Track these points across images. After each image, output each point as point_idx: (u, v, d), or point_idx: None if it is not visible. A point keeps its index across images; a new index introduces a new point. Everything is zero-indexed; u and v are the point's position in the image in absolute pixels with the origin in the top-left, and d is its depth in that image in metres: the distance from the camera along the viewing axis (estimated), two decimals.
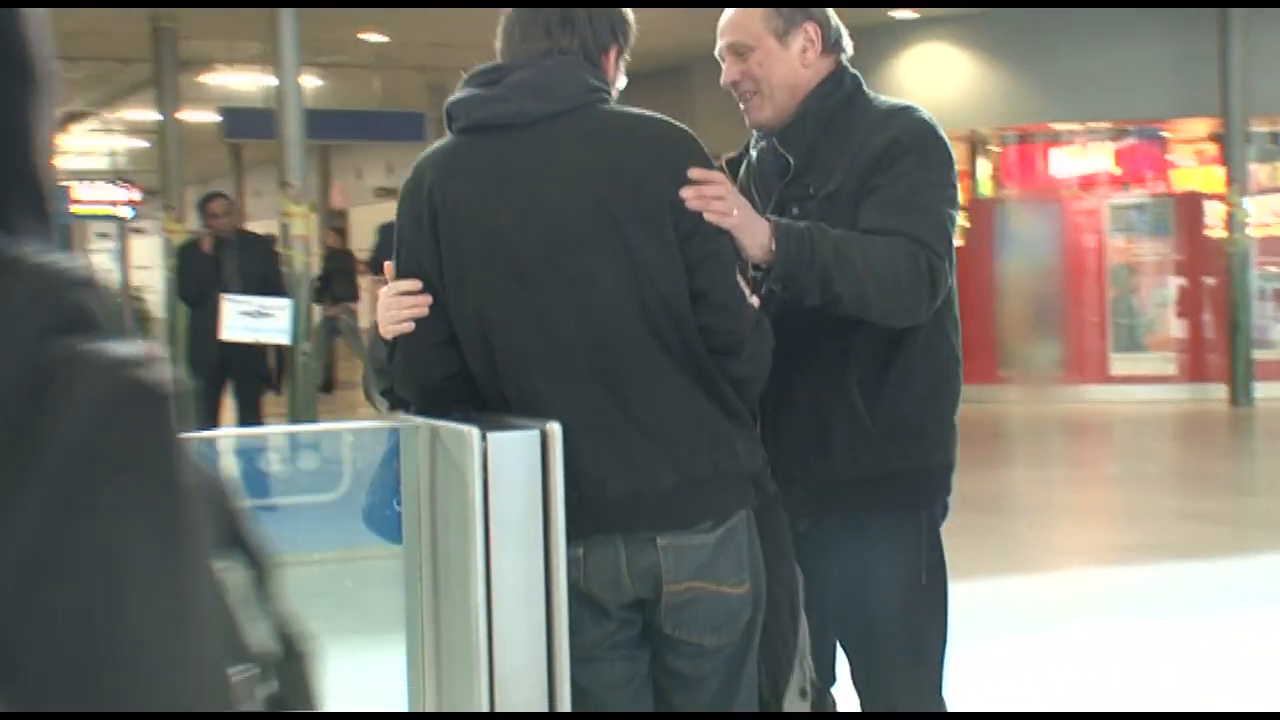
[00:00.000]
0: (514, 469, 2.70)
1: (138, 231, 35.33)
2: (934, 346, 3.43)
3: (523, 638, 2.71)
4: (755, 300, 3.05)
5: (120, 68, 20.15)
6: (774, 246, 3.06)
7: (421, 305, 2.97)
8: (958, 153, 15.73)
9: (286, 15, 13.55)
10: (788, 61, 3.39)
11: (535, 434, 2.73)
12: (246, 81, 20.82)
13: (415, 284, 2.99)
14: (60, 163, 32.90)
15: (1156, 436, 15.00)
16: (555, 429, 2.74)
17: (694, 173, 2.96)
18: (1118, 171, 20.00)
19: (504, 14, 3.17)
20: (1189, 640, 6.78)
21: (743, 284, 3.00)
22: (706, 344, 2.94)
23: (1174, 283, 17.73)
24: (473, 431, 2.69)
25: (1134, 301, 17.74)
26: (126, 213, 32.99)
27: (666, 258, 2.92)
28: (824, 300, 3.14)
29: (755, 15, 3.40)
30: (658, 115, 3.12)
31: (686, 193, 2.92)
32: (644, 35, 12.72)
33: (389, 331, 3.00)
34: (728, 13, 3.48)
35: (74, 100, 24.33)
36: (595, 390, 2.92)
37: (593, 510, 2.84)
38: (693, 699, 3.02)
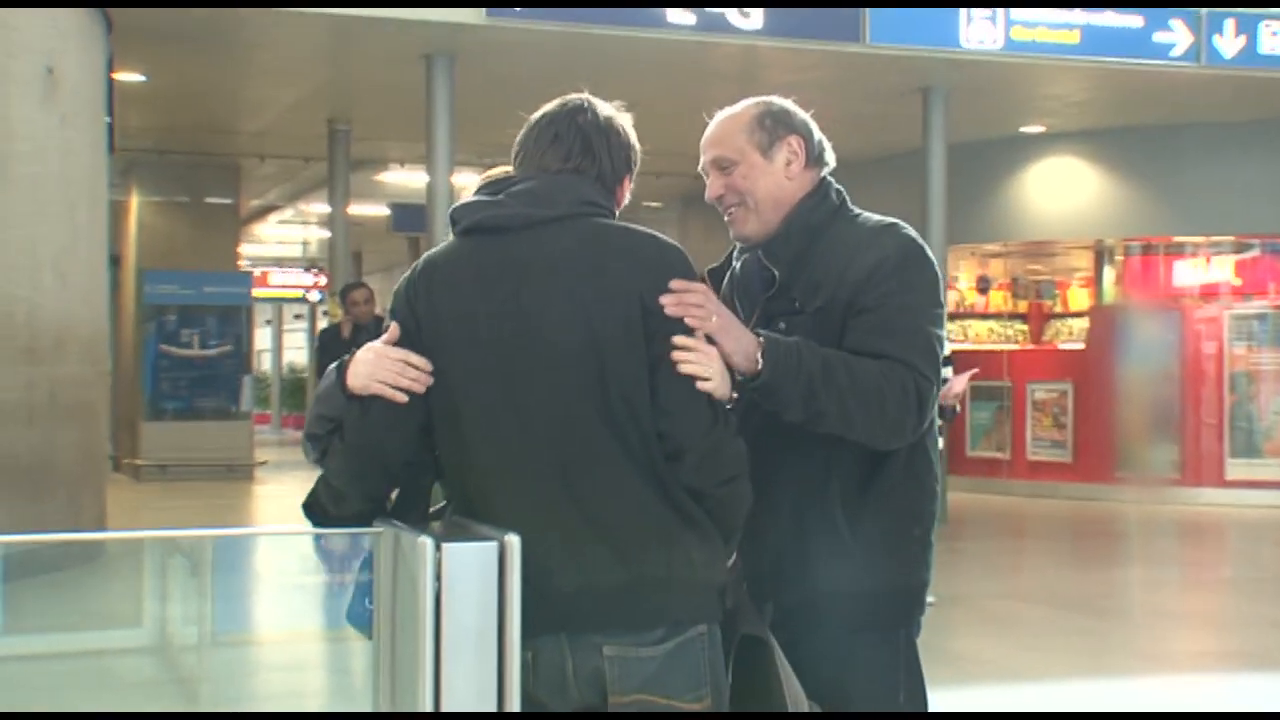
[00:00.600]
0: (469, 580, 2.56)
1: (327, 314, 36.30)
2: (915, 465, 3.25)
3: None
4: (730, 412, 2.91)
5: (302, 165, 20.53)
6: (760, 356, 2.94)
7: (422, 382, 2.89)
8: (1082, 262, 15.62)
9: (441, 117, 13.67)
10: (772, 175, 3.28)
11: (493, 545, 2.58)
12: (416, 178, 21.12)
13: (425, 363, 2.90)
14: (260, 250, 34.07)
15: (1270, 543, 14.41)
16: (514, 541, 2.59)
17: (675, 283, 2.86)
18: (1238, 282, 19.58)
19: (524, 132, 3.15)
20: None
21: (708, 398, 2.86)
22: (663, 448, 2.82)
23: None
24: (426, 542, 2.55)
25: (1253, 408, 17.18)
26: (315, 296, 34.04)
27: (634, 361, 2.81)
28: (806, 415, 3.00)
29: (738, 130, 3.29)
30: (650, 231, 2.99)
31: (666, 299, 2.82)
32: None
33: (373, 389, 2.89)
34: (710, 128, 3.36)
35: (268, 194, 24.87)
36: (553, 485, 2.81)
37: (541, 605, 2.67)
38: None
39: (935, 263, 3.30)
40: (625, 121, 3.12)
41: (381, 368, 2.89)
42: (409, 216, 20.01)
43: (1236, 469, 16.91)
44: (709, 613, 2.85)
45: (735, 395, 2.97)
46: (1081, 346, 19.41)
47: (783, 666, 3.02)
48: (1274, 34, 14.58)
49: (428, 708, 2.52)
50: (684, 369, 2.81)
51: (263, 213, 27.58)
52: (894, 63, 14.15)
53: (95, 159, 12.45)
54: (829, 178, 3.37)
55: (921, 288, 3.22)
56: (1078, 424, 17.80)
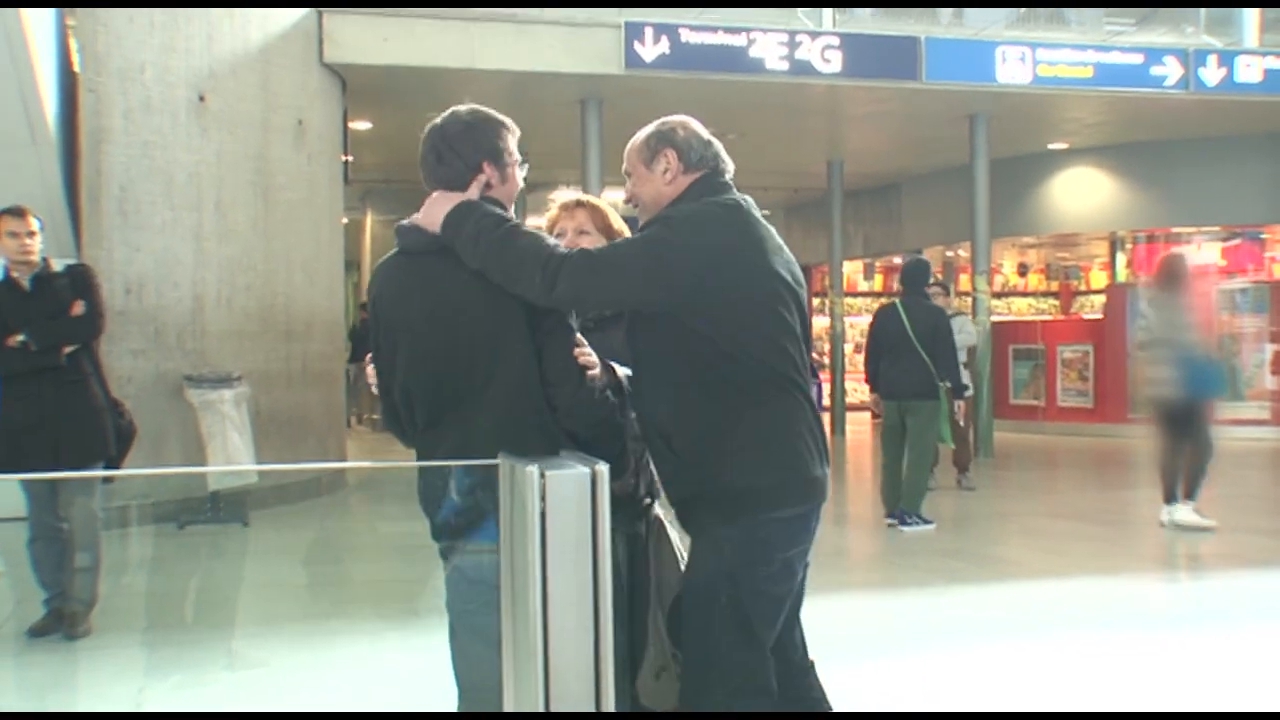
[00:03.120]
0: (567, 501, 2.38)
1: None
2: (712, 389, 3.03)
3: (573, 644, 2.38)
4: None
5: None
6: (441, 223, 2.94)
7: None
8: (1100, 250, 15.05)
9: (593, 148, 13.60)
10: (652, 181, 3.22)
11: (586, 472, 2.40)
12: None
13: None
14: None
15: (1249, 468, 13.81)
16: (603, 469, 2.41)
17: None
18: (1224, 264, 19.05)
19: None
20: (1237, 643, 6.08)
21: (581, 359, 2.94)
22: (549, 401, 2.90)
23: (1269, 348, 16.56)
24: (533, 470, 2.37)
25: (1237, 363, 16.53)
26: None
27: (524, 343, 2.90)
28: (476, 267, 2.92)
29: (633, 149, 3.28)
30: None
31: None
32: (865, 161, 12.26)
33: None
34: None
35: None
36: (472, 435, 2.85)
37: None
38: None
39: (705, 219, 3.08)
40: (474, 114, 3.05)
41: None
42: None
43: (1225, 410, 16.31)
44: None
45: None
46: (1100, 316, 18.94)
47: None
48: (1248, 66, 14.28)
49: (538, 607, 2.36)
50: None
51: None
52: (945, 96, 13.76)
53: (334, 189, 12.50)
54: (715, 176, 3.22)
55: (661, 225, 3.09)
56: (1098, 377, 17.41)
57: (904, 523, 9.26)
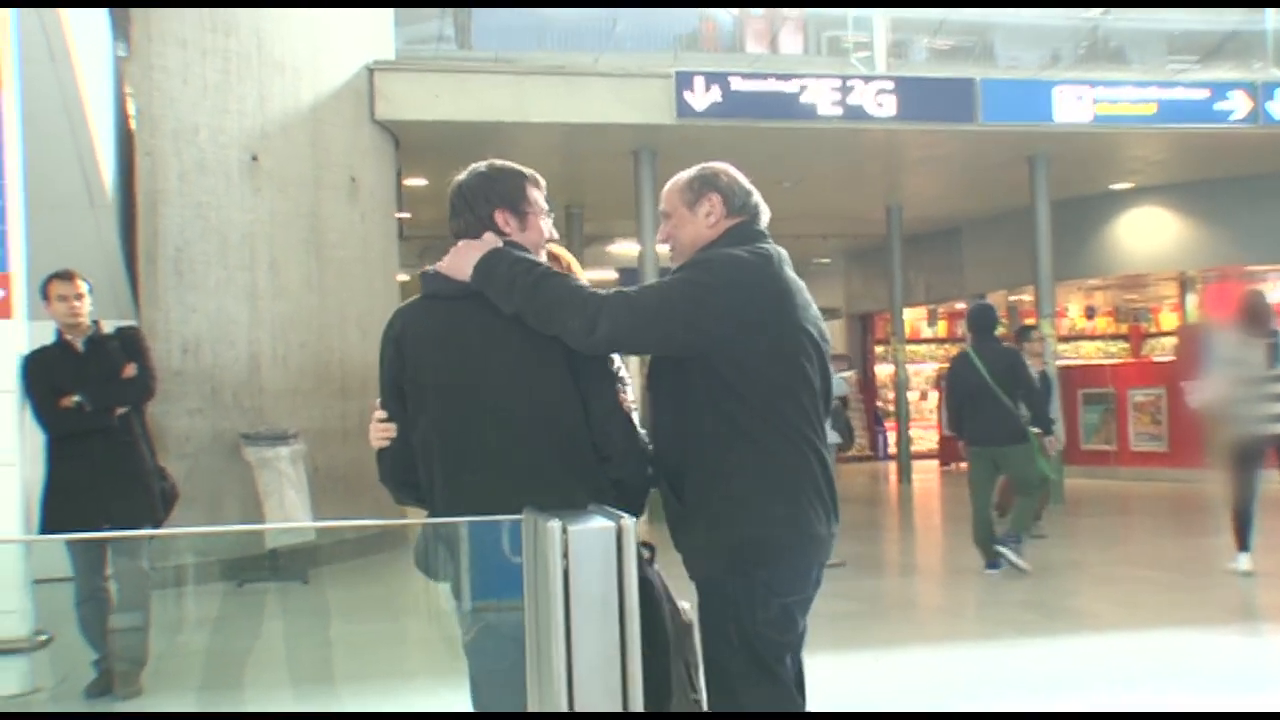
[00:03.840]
0: (592, 557, 2.32)
1: None
2: (726, 439, 3.01)
3: (600, 704, 2.32)
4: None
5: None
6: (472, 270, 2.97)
7: (390, 431, 3.04)
8: (1169, 291, 14.80)
9: (647, 199, 13.59)
10: (694, 224, 3.25)
11: (612, 527, 2.35)
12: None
13: (385, 417, 3.06)
14: None
15: None
16: (628, 524, 2.35)
17: None
18: None
19: None
20: None
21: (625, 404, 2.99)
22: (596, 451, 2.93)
23: None
24: (555, 525, 2.32)
25: None
26: None
27: (563, 387, 2.92)
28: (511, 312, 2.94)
29: (675, 191, 3.29)
30: None
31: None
32: (924, 206, 12.18)
33: (375, 445, 3.09)
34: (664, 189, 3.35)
35: None
36: (504, 481, 2.85)
37: None
38: None
39: (733, 266, 3.06)
40: (491, 167, 3.14)
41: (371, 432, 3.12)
42: (632, 279, 19.95)
43: None
44: None
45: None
46: (1173, 358, 18.56)
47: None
48: None
49: (561, 669, 2.30)
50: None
51: None
52: (1003, 137, 13.65)
53: (388, 245, 12.62)
54: (751, 226, 3.24)
55: (700, 268, 3.09)
56: (1172, 420, 17.00)
57: (1009, 544, 9.24)
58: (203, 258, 9.98)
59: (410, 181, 15.26)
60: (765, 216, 3.28)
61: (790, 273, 3.15)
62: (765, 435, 3.00)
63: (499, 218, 3.04)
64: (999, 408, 9.16)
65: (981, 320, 9.59)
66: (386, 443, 3.05)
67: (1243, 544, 8.97)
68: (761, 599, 2.99)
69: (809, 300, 3.16)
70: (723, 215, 3.22)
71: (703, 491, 3.01)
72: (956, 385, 9.44)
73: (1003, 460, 9.29)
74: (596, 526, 2.35)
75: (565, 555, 2.32)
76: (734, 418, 2.99)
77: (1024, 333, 11.50)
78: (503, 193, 3.06)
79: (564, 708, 2.30)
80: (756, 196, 3.29)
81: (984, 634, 7.47)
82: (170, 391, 9.66)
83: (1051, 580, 9.49)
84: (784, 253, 3.20)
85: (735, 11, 22.43)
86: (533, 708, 2.55)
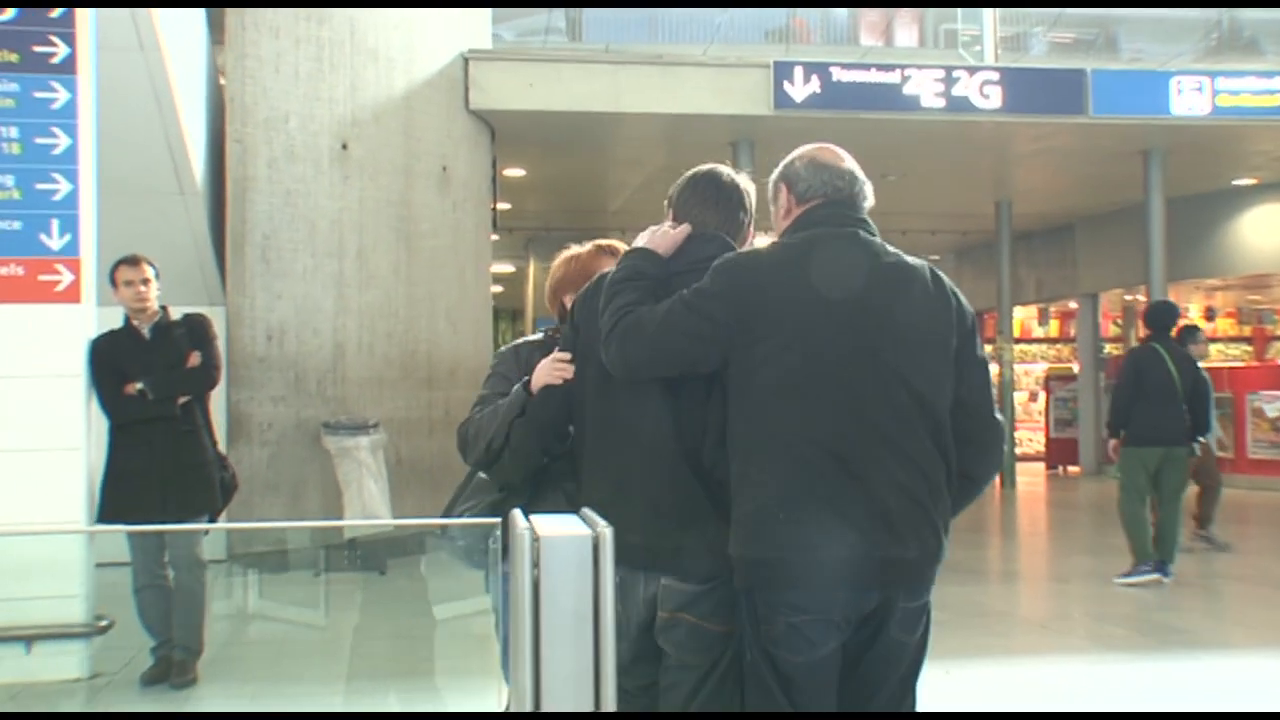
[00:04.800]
0: (565, 568, 2.17)
1: None
2: (732, 454, 2.81)
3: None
4: None
5: None
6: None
7: (569, 372, 3.07)
8: None
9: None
10: (777, 218, 3.12)
11: (587, 536, 2.19)
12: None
13: (570, 358, 3.09)
14: None
15: None
16: (606, 533, 2.19)
17: None
18: None
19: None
20: None
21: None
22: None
23: None
24: (524, 532, 2.18)
25: None
26: None
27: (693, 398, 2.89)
28: None
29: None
30: None
31: None
32: (1035, 202, 11.78)
33: (551, 380, 3.09)
34: None
35: None
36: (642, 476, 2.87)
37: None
38: None
39: (743, 266, 2.88)
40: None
41: (548, 368, 3.18)
42: None
43: None
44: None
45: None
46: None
47: None
48: None
49: (529, 686, 2.14)
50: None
51: None
52: (1115, 130, 13.14)
53: (481, 235, 12.58)
54: (819, 210, 3.02)
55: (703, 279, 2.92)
56: None
57: (1166, 572, 9.01)
58: (290, 245, 10.03)
59: (509, 172, 15.26)
60: (851, 196, 2.99)
61: (836, 255, 2.86)
62: (760, 448, 2.77)
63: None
64: (1179, 408, 9.00)
65: (1165, 318, 9.38)
66: (560, 381, 3.06)
67: None
68: (765, 614, 2.74)
69: (869, 294, 2.83)
70: (793, 204, 3.01)
71: (711, 502, 2.83)
72: (1143, 379, 9.05)
73: (1168, 462, 9.02)
74: (571, 534, 2.19)
75: (536, 564, 2.17)
76: (734, 428, 2.80)
77: (1190, 333, 11.01)
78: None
79: None
80: (834, 174, 3.00)
81: (1074, 648, 7.15)
82: (253, 378, 9.74)
83: (1158, 594, 9.08)
84: (851, 233, 2.92)
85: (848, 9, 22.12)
86: None
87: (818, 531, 2.69)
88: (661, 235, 3.04)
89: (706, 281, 2.85)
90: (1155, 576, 8.92)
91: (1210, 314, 21.94)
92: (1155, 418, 8.99)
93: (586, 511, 2.44)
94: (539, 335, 3.53)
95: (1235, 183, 16.49)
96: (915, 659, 2.90)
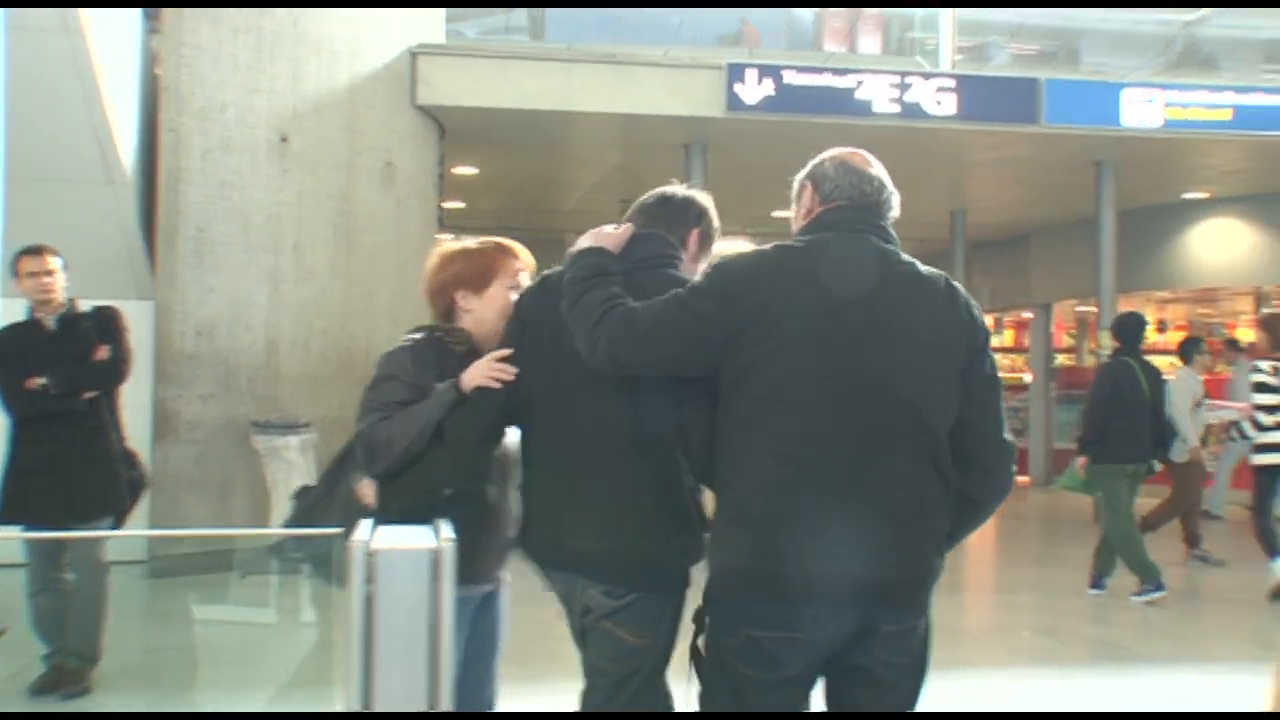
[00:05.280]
0: (400, 584, 2.00)
1: None
2: (720, 461, 2.75)
3: None
4: None
5: None
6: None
7: (509, 374, 3.02)
8: (1245, 306, 14.20)
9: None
10: (797, 215, 3.08)
11: (425, 551, 2.03)
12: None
13: (508, 355, 3.09)
14: None
15: None
16: (447, 548, 2.03)
17: None
18: None
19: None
20: None
21: None
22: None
23: None
24: (356, 544, 2.01)
25: None
26: None
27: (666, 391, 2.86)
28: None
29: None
30: None
31: None
32: (990, 211, 11.69)
33: (482, 383, 3.03)
34: None
35: None
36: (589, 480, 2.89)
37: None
38: None
39: (715, 273, 2.83)
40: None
41: (482, 369, 3.18)
42: None
43: None
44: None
45: None
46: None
47: None
48: None
49: (356, 706, 1.98)
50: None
51: None
52: (1068, 141, 13.08)
53: (425, 232, 12.37)
54: (836, 213, 2.97)
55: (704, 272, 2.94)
56: None
57: (1101, 585, 9.11)
58: (224, 239, 9.79)
59: (461, 170, 15.07)
60: (877, 202, 2.95)
61: (828, 258, 2.78)
62: (736, 456, 2.69)
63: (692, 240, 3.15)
64: (1150, 422, 8.85)
65: (1137, 329, 9.22)
66: (498, 385, 3.01)
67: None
68: (729, 624, 2.64)
69: (873, 301, 2.75)
70: (816, 203, 2.95)
71: (650, 505, 2.89)
72: (1119, 394, 8.85)
73: (1137, 479, 8.90)
74: (409, 548, 2.03)
75: (370, 580, 2.00)
76: (725, 437, 2.72)
77: (1194, 345, 10.89)
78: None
79: None
80: (867, 181, 2.95)
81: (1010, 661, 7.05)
82: (182, 375, 9.50)
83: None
84: (850, 238, 2.84)
85: (815, 10, 22.05)
86: None
87: (790, 544, 2.55)
88: (606, 235, 3.03)
89: (702, 281, 2.81)
90: (1163, 594, 8.73)
91: (1162, 326, 22.01)
92: (1133, 433, 8.80)
93: (441, 523, 2.28)
94: (419, 335, 3.38)
95: (1186, 196, 16.49)
96: (910, 686, 2.78)
